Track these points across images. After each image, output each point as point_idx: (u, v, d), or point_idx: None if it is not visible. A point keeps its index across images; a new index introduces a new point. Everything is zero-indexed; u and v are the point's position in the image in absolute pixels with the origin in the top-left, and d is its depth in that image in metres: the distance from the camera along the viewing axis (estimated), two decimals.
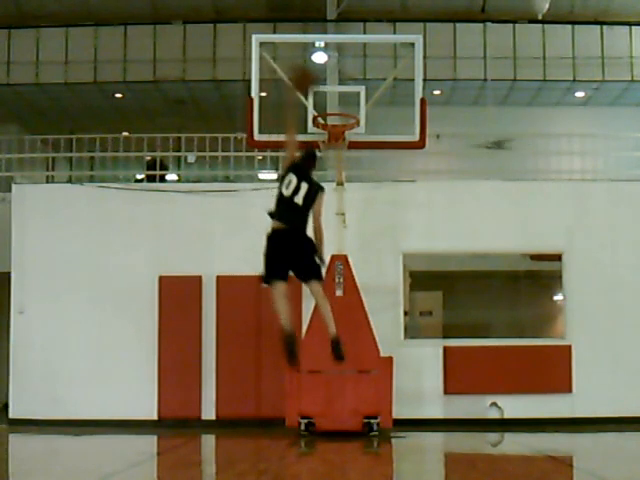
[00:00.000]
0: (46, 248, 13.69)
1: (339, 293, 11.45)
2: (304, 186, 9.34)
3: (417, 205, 13.61)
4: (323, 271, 9.48)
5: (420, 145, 11.57)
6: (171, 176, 17.42)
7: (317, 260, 9.34)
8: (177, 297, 13.41)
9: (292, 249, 9.18)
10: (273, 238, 9.18)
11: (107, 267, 13.59)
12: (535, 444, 10.69)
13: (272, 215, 9.25)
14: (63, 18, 20.24)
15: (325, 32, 19.34)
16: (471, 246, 13.56)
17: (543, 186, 13.93)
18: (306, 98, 10.99)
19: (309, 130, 11.80)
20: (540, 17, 19.04)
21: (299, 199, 9.28)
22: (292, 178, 9.38)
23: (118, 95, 21.22)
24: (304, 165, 9.63)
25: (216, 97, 21.14)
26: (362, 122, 11.78)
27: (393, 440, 10.98)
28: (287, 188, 9.33)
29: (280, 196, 9.33)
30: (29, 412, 13.28)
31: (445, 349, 13.27)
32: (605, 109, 21.25)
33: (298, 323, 12.77)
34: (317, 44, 18.38)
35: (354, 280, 11.52)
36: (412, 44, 11.63)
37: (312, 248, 9.32)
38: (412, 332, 14.05)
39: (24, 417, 13.23)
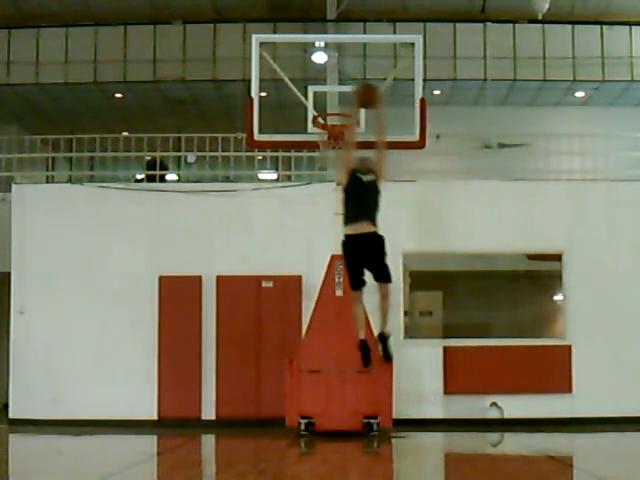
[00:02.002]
0: (46, 248, 13.69)
1: (339, 293, 11.45)
2: (367, 180, 9.76)
3: (417, 205, 13.60)
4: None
5: (420, 145, 11.56)
6: (171, 176, 17.42)
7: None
8: (177, 297, 13.41)
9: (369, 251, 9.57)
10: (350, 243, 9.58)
11: (107, 267, 13.59)
12: (535, 444, 10.69)
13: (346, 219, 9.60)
14: (63, 18, 20.23)
15: (325, 32, 19.33)
16: (471, 246, 13.56)
17: (543, 186, 13.94)
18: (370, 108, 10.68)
19: (309, 130, 11.80)
20: (540, 17, 19.03)
21: (367, 194, 9.67)
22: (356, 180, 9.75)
23: (118, 95, 21.21)
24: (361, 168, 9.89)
25: (216, 97, 21.13)
26: (362, 122, 11.78)
27: (393, 440, 10.99)
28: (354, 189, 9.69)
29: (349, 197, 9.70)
30: (29, 412, 13.28)
31: (445, 349, 13.27)
32: (605, 109, 21.24)
33: (298, 323, 12.81)
34: (317, 44, 18.37)
35: None
36: (412, 44, 11.61)
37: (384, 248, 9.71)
38: (412, 332, 14.04)
39: (24, 417, 13.23)
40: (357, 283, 9.57)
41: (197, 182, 15.80)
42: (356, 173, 9.77)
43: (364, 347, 9.74)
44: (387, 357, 9.80)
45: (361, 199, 9.67)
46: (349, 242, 9.57)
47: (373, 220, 9.61)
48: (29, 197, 13.96)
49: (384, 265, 9.60)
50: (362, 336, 9.74)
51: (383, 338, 9.71)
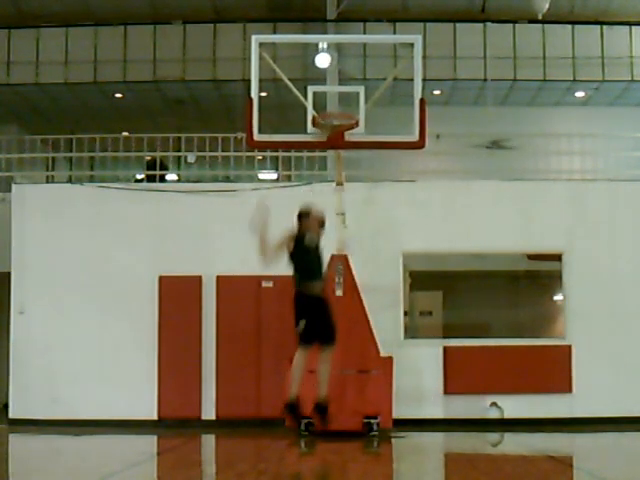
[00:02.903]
0: (46, 248, 13.69)
1: (339, 293, 11.44)
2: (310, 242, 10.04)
3: (417, 205, 13.61)
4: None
5: (420, 145, 11.55)
6: (171, 176, 17.41)
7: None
8: (177, 297, 13.41)
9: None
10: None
11: (107, 267, 13.59)
12: (535, 444, 10.68)
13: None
14: (63, 18, 20.22)
15: (325, 32, 19.33)
16: (471, 246, 13.56)
17: (543, 186, 13.93)
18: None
19: (309, 130, 11.79)
20: (540, 17, 19.03)
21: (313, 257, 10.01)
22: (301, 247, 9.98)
23: (118, 95, 21.21)
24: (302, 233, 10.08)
25: (216, 97, 21.13)
26: (362, 122, 11.77)
27: (393, 440, 10.98)
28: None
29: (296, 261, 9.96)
30: (29, 412, 13.28)
31: (445, 349, 13.27)
32: (605, 109, 21.24)
33: None
34: (320, 46, 18.33)
35: (354, 280, 11.51)
36: (412, 44, 11.62)
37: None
38: (412, 332, 14.04)
39: (24, 417, 13.23)
40: (308, 337, 9.78)
41: (197, 182, 15.80)
42: (301, 239, 10.01)
43: (292, 409, 9.90)
44: (324, 424, 9.94)
45: (308, 262, 9.98)
46: (300, 298, 9.88)
47: (321, 280, 10.04)
48: (29, 197, 13.96)
49: (331, 326, 9.90)
50: (293, 395, 9.86)
51: (321, 409, 9.83)
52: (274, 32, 19.28)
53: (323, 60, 18.58)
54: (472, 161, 16.10)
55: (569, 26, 20.15)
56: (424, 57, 11.72)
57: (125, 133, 16.63)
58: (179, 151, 16.57)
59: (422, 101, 11.42)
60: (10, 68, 20.03)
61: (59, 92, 20.65)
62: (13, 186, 14.20)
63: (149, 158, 15.90)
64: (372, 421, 11.04)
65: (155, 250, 13.61)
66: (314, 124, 11.73)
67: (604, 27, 20.12)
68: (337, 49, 19.00)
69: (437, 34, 19.45)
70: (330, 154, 12.62)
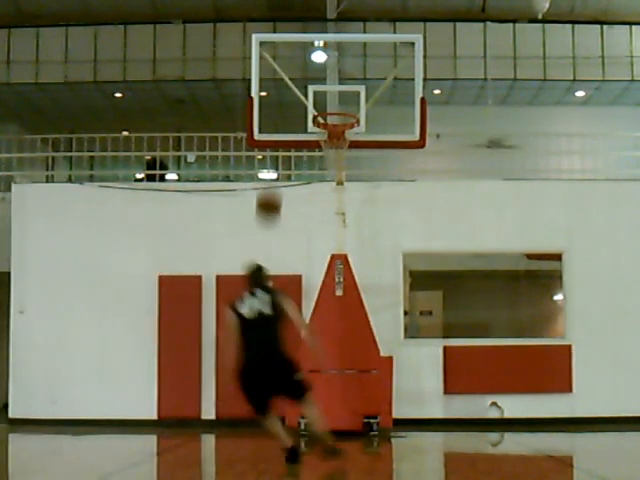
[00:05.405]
0: (46, 248, 13.69)
1: (339, 293, 11.46)
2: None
3: (417, 205, 13.61)
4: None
5: (420, 144, 11.57)
6: (171, 176, 17.41)
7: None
8: (177, 297, 13.40)
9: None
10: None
11: (107, 267, 13.58)
12: (535, 444, 10.69)
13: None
14: (63, 18, 20.21)
15: (325, 31, 19.31)
16: (471, 246, 13.56)
17: (543, 186, 13.93)
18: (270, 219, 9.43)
19: (309, 130, 11.80)
20: (540, 17, 19.02)
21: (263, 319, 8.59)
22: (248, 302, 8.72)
23: (118, 95, 21.20)
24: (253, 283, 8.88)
25: (216, 97, 21.12)
26: (362, 121, 11.78)
27: (393, 440, 10.99)
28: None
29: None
30: (29, 412, 13.27)
31: (445, 349, 13.27)
32: (605, 109, 21.23)
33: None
34: (316, 43, 18.36)
35: (354, 280, 11.52)
36: (412, 43, 11.63)
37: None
38: (412, 332, 14.04)
39: (24, 417, 13.23)
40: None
41: (197, 182, 15.79)
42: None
43: (294, 453, 8.23)
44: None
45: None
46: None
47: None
48: (29, 197, 13.96)
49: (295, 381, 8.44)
50: (290, 443, 8.28)
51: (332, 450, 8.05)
52: (274, 31, 19.28)
53: (320, 56, 18.59)
54: (472, 161, 16.09)
55: (569, 26, 20.14)
56: (424, 57, 11.73)
57: (125, 133, 16.63)
58: (179, 151, 16.56)
59: (423, 100, 11.44)
60: (10, 68, 20.01)
61: (59, 92, 20.64)
62: (13, 186, 14.20)
63: (149, 158, 15.90)
64: (372, 421, 11.05)
65: (155, 250, 13.60)
66: (314, 123, 11.75)
67: (604, 27, 20.11)
68: (337, 48, 19.00)
69: (437, 34, 19.44)
70: (329, 154, 12.60)
